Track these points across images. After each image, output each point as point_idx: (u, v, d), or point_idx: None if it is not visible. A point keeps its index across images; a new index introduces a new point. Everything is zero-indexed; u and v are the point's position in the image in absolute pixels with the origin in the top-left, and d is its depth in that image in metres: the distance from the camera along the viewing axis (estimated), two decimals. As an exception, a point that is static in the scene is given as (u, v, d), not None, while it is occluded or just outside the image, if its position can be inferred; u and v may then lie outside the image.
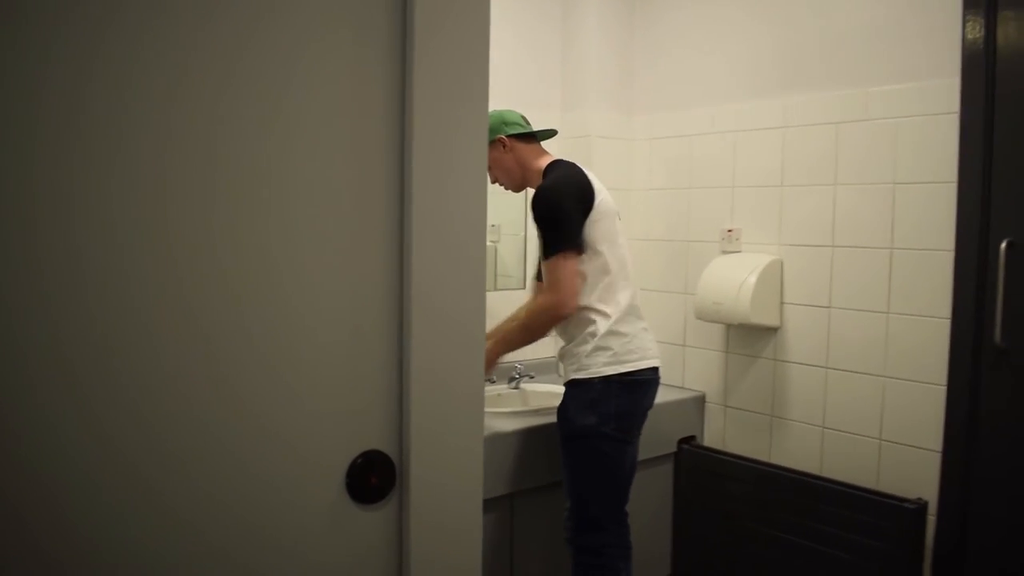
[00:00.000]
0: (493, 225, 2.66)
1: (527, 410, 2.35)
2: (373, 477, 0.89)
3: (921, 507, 2.08)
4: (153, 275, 0.76)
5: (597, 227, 1.96)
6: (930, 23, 2.07)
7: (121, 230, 0.74)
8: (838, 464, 2.31)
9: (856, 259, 2.26)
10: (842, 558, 2.18)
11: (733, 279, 2.42)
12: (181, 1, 0.76)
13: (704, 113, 2.66)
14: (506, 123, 2.09)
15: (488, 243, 2.64)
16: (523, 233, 2.76)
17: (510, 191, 2.19)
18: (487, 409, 2.32)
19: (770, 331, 2.49)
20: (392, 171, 0.89)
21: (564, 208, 1.94)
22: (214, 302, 0.79)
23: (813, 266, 2.37)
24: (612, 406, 1.95)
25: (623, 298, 2.00)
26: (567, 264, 1.91)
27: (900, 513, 2.07)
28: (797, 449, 2.43)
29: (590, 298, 1.97)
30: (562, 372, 2.09)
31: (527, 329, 2.04)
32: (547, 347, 2.75)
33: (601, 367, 1.96)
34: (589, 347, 1.97)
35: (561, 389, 2.07)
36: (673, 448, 2.63)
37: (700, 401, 2.70)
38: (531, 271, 2.56)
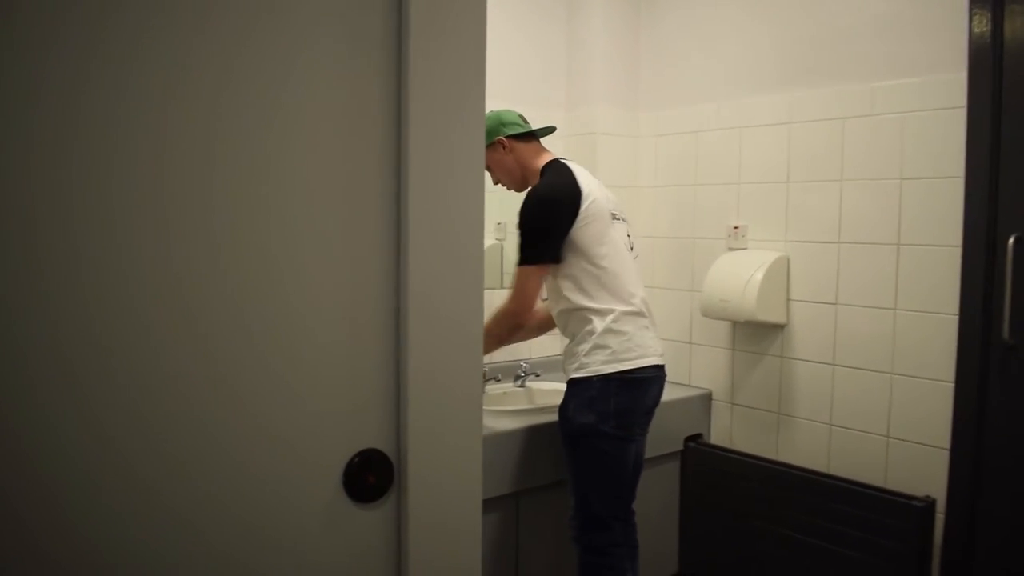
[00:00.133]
0: (500, 223, 2.66)
1: (532, 408, 2.35)
2: (371, 476, 0.89)
3: (929, 505, 2.07)
4: (152, 275, 0.76)
5: (587, 230, 1.96)
6: (936, 17, 2.06)
7: (120, 229, 0.74)
8: (846, 462, 2.30)
9: (863, 255, 2.25)
10: (850, 556, 2.17)
11: (739, 276, 2.41)
12: (179, 1, 0.76)
13: (709, 110, 2.65)
14: (504, 124, 2.09)
15: (495, 240, 2.67)
16: (529, 231, 2.76)
17: (513, 191, 2.18)
18: (492, 407, 2.34)
19: (777, 328, 2.48)
20: (389, 169, 0.89)
21: (540, 221, 1.96)
22: (212, 301, 0.80)
23: (819, 262, 2.36)
24: (611, 404, 1.94)
25: (623, 296, 1.99)
26: (530, 278, 1.98)
27: (908, 511, 2.06)
28: (804, 447, 2.42)
29: (585, 298, 1.97)
30: (565, 370, 2.09)
31: (488, 333, 2.04)
32: (552, 345, 2.75)
33: (600, 365, 1.96)
34: (588, 345, 1.97)
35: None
36: (680, 446, 2.62)
37: (707, 399, 2.70)
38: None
